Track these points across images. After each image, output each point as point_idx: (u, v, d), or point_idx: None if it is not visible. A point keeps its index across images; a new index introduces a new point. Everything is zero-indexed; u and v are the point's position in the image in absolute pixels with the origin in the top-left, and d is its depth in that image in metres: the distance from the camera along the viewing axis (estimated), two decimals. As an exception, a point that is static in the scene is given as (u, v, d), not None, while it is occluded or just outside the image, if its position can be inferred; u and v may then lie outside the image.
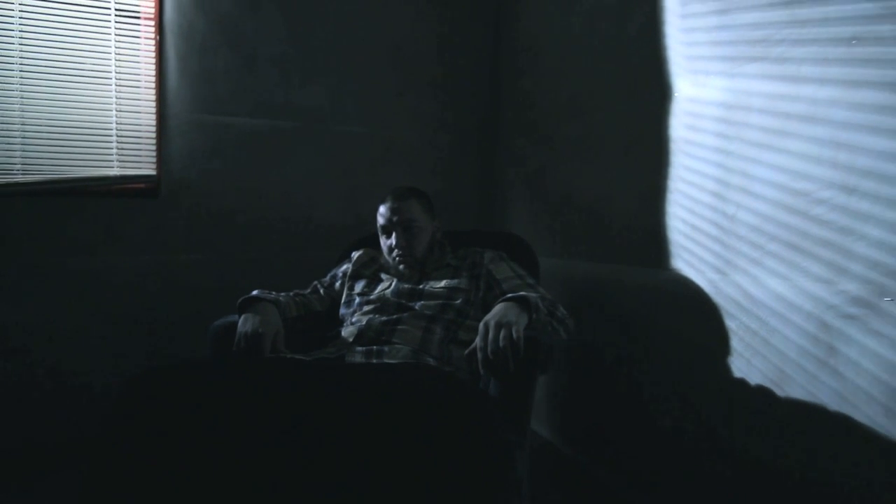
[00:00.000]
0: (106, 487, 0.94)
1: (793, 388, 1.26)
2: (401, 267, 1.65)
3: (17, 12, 1.92)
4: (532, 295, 1.31)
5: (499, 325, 1.17)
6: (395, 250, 1.64)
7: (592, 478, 1.88)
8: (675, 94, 1.58)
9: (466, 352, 1.21)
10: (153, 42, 2.09)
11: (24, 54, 1.93)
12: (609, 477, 1.83)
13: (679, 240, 1.57)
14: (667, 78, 1.61)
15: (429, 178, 2.43)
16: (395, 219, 1.63)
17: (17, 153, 1.94)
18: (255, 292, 1.49)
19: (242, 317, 1.38)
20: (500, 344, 1.14)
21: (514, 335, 1.15)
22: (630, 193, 1.75)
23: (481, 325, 1.20)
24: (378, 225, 1.69)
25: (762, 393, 1.32)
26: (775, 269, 1.29)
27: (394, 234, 1.64)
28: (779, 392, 1.29)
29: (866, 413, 1.11)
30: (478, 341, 1.18)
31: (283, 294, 1.60)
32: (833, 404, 1.17)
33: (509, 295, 1.31)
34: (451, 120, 2.58)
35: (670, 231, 1.60)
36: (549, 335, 1.26)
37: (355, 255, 1.81)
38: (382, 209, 1.67)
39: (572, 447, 2.04)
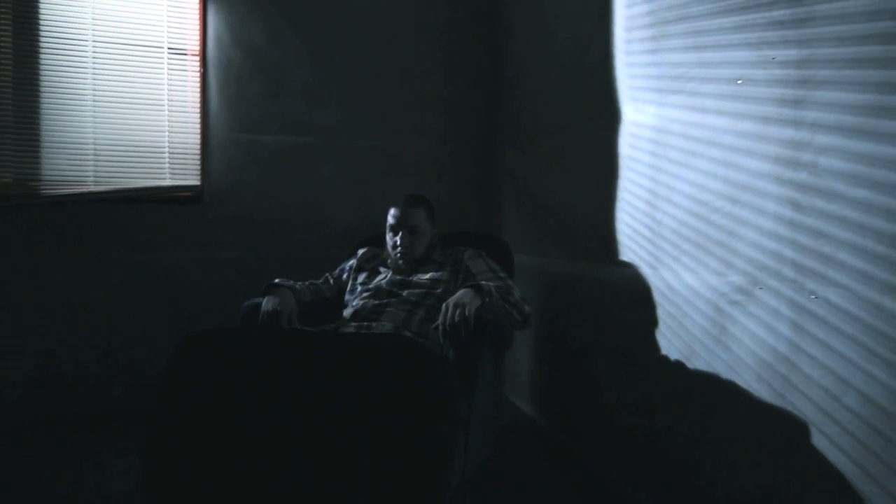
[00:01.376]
0: (166, 429, 1.31)
1: (698, 361, 1.54)
2: (400, 262, 1.99)
3: (91, 52, 2.36)
4: (486, 283, 1.64)
5: (456, 306, 1.51)
6: (399, 248, 1.98)
7: (561, 445, 2.19)
8: (622, 118, 1.88)
9: (433, 326, 1.54)
10: (198, 74, 2.51)
11: (97, 86, 2.37)
12: (573, 444, 2.13)
13: (625, 240, 1.86)
14: (616, 104, 1.91)
15: (432, 186, 2.78)
16: (403, 222, 1.97)
17: (91, 168, 2.38)
18: (276, 280, 1.87)
19: (265, 298, 1.76)
20: (455, 319, 1.48)
21: (466, 313, 1.48)
22: (591, 200, 2.05)
23: (443, 305, 1.54)
24: (388, 223, 2.02)
25: (678, 366, 1.61)
26: (688, 265, 1.58)
27: (400, 235, 1.98)
28: (689, 365, 1.57)
29: (745, 379, 1.39)
30: (440, 318, 1.52)
31: (299, 283, 1.97)
32: (724, 373, 1.45)
33: (469, 283, 1.64)
34: (452, 134, 2.91)
35: (619, 233, 1.89)
36: (498, 315, 1.59)
37: (360, 252, 2.17)
38: (394, 211, 2.00)
39: (549, 422, 2.35)
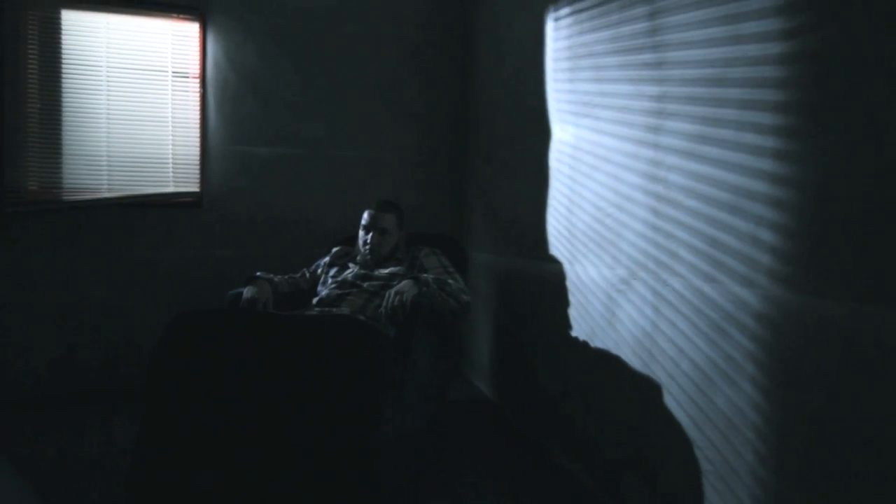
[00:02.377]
0: (158, 395, 1.65)
1: (598, 341, 1.85)
2: (368, 258, 2.32)
3: (105, 76, 2.73)
4: (425, 276, 1.97)
5: (396, 293, 1.84)
6: (368, 245, 2.31)
7: (510, 423, 2.50)
8: (552, 136, 2.20)
9: (380, 309, 1.88)
10: (198, 94, 2.87)
11: (110, 106, 2.75)
12: (519, 421, 2.45)
13: (553, 239, 2.18)
14: (548, 123, 2.22)
15: (408, 192, 3.11)
16: (374, 224, 2.30)
17: (105, 176, 2.75)
18: (258, 273, 2.21)
19: (246, 287, 2.11)
20: (395, 304, 1.81)
21: (404, 299, 1.81)
22: (531, 205, 2.36)
23: (386, 293, 1.87)
24: (361, 223, 2.35)
25: (584, 346, 1.92)
26: (592, 260, 1.89)
27: (371, 234, 2.31)
28: (591, 344, 1.88)
29: (626, 353, 1.70)
30: (383, 302, 1.85)
31: (279, 276, 2.32)
32: (614, 350, 1.76)
33: (410, 275, 1.97)
34: (427, 146, 3.24)
35: (549, 233, 2.20)
36: (434, 302, 1.92)
37: (334, 249, 2.51)
38: (368, 213, 2.33)
39: (500, 398, 2.66)
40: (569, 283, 2.04)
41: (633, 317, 1.67)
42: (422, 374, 1.88)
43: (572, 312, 2.02)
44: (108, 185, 2.77)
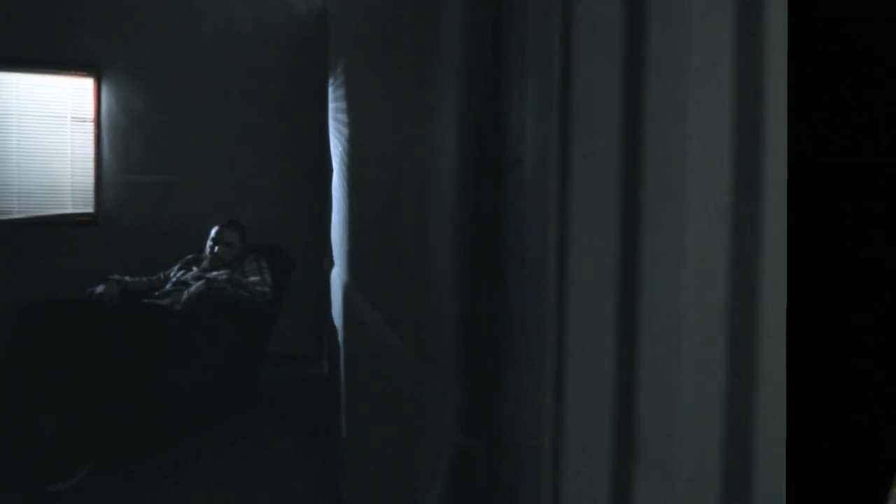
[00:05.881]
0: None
1: (341, 319, 2.51)
2: (206, 264, 2.99)
3: (16, 118, 3.43)
4: (217, 274, 2.63)
5: (187, 291, 2.51)
6: (212, 254, 2.98)
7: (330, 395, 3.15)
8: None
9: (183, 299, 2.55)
10: (93, 134, 3.56)
11: (21, 142, 3.44)
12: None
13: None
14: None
15: (274, 211, 3.79)
16: (220, 238, 2.99)
17: (15, 201, 3.44)
18: (115, 276, 2.88)
19: (99, 286, 2.77)
20: (190, 294, 2.48)
21: (192, 291, 2.48)
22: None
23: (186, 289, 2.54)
24: (210, 236, 3.04)
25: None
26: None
27: (217, 246, 2.99)
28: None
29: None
30: (183, 296, 2.52)
31: (135, 279, 2.98)
32: (345, 325, 2.42)
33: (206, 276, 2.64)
34: (292, 170, 3.92)
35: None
36: (226, 294, 2.58)
37: (187, 257, 3.18)
38: (217, 228, 3.04)
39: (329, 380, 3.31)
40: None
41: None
42: (217, 354, 2.54)
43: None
44: (19, 207, 3.44)
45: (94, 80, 3.55)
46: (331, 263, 3.07)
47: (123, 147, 3.61)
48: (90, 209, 3.57)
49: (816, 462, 0.59)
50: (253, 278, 2.77)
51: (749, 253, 0.43)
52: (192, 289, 2.52)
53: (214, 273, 2.88)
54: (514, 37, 0.49)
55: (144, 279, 3.03)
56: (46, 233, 3.49)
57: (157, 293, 2.86)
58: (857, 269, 0.59)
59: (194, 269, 3.05)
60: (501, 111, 0.52)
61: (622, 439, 0.41)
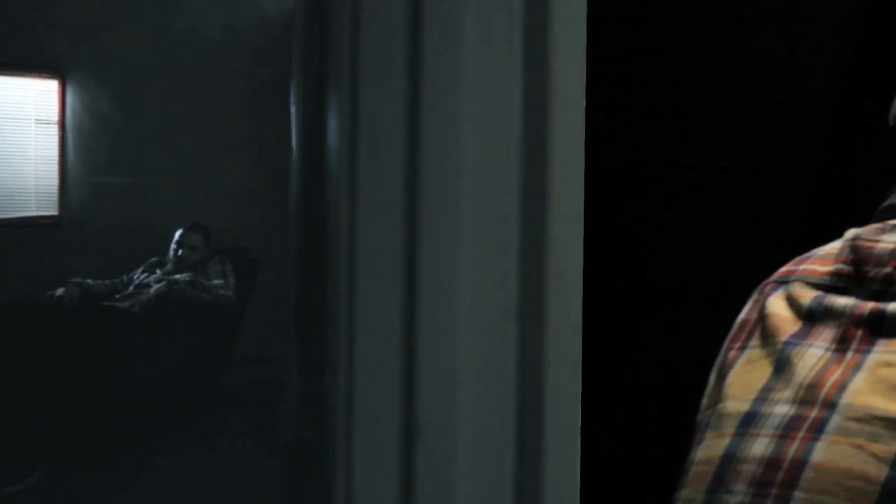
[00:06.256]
0: None
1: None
2: (171, 267, 3.01)
3: (-21, 124, 3.41)
4: (179, 277, 2.66)
5: (152, 290, 2.53)
6: (176, 256, 3.00)
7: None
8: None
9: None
10: (58, 137, 3.55)
11: (-17, 147, 3.42)
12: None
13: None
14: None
15: (244, 213, 3.80)
16: (184, 241, 3.01)
17: (-23, 203, 3.42)
18: (76, 279, 2.88)
19: (62, 288, 2.78)
20: (150, 297, 2.50)
21: (153, 293, 2.50)
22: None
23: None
24: (174, 239, 3.06)
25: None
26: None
27: (181, 249, 3.01)
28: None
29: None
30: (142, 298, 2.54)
31: (97, 281, 2.99)
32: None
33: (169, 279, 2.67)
34: (260, 176, 3.94)
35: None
36: (188, 294, 2.60)
37: (152, 259, 3.19)
38: (181, 231, 3.06)
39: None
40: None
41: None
42: (183, 351, 2.56)
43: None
44: (-16, 210, 3.43)
45: (59, 82, 3.54)
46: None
47: (88, 149, 3.60)
48: (54, 212, 3.56)
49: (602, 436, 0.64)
50: (216, 281, 2.80)
51: (538, 251, 0.48)
52: (152, 291, 2.53)
53: (177, 276, 2.90)
54: (331, 59, 0.55)
55: (107, 282, 3.04)
56: (9, 235, 3.47)
57: (118, 296, 2.88)
58: (644, 268, 0.65)
59: (157, 271, 3.06)
60: (322, 119, 0.59)
61: (404, 420, 0.46)
